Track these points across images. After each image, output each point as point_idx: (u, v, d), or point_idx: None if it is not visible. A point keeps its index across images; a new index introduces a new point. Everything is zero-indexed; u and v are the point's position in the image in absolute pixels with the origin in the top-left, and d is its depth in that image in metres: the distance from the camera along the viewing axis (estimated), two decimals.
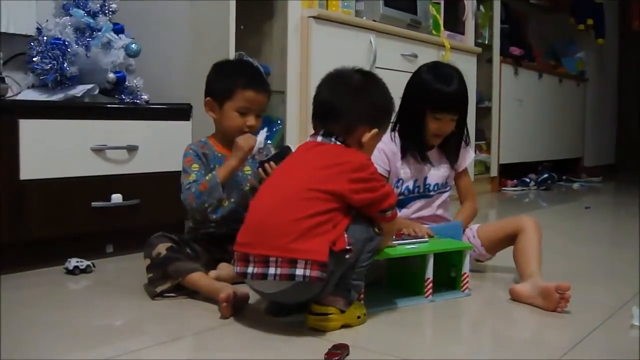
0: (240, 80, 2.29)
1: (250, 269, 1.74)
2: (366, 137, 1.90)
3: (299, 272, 1.68)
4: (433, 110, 2.35)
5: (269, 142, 2.20)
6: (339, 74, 1.99)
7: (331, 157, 1.83)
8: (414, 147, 2.42)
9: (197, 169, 2.28)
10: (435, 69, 2.44)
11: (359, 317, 1.83)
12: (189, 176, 2.26)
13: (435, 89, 2.36)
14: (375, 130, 1.92)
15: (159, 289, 2.06)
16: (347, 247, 1.72)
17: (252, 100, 2.30)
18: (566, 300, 1.94)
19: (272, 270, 1.70)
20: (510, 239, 2.30)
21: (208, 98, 2.35)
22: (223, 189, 2.21)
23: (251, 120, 2.30)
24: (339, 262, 1.72)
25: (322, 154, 1.86)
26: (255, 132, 2.29)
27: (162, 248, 2.09)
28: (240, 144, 2.22)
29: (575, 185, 6.46)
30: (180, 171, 2.31)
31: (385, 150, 2.41)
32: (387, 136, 2.33)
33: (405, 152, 2.43)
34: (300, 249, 1.68)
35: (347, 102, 1.91)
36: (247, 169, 2.34)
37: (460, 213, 2.52)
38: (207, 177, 2.22)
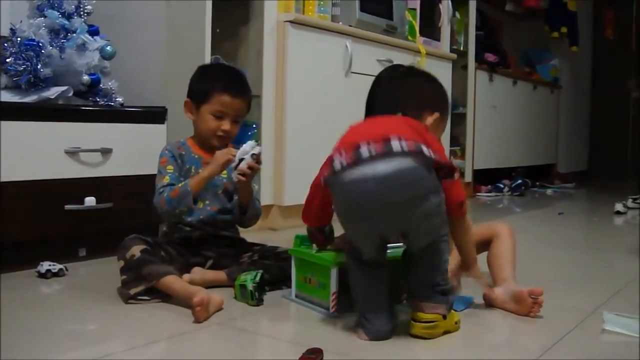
0: (218, 84, 2.30)
1: (365, 149, 1.66)
2: (429, 120, 1.98)
3: (425, 150, 1.69)
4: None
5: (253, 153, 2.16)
6: (388, 70, 2.11)
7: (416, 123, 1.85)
8: None
9: (171, 170, 2.28)
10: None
11: (456, 323, 1.83)
12: (163, 178, 2.26)
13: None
14: (437, 114, 2.00)
15: (132, 291, 2.04)
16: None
17: (227, 104, 2.29)
18: (539, 305, 1.96)
19: (395, 144, 1.66)
20: (485, 245, 2.30)
21: (187, 99, 2.35)
22: (194, 198, 2.21)
23: (226, 125, 2.30)
24: None
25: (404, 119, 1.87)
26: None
27: (136, 250, 2.08)
28: (218, 156, 2.21)
29: (549, 191, 6.51)
30: (154, 174, 2.30)
31: None
32: None
33: None
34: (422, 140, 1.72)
35: (407, 91, 2.00)
36: (224, 172, 2.33)
37: None
38: (179, 185, 2.21)
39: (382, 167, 1.64)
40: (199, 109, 2.31)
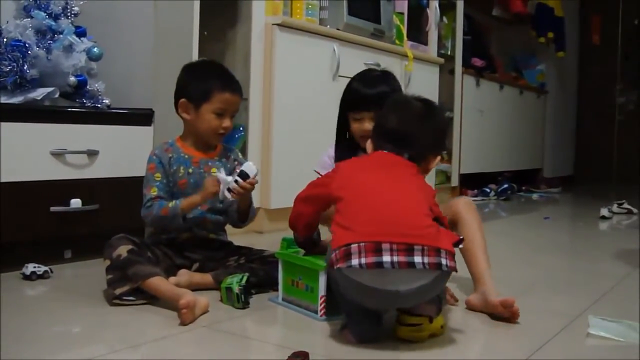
0: (217, 83, 2.30)
1: (388, 258, 1.64)
2: (433, 164, 1.98)
3: (444, 261, 1.68)
4: (351, 109, 2.35)
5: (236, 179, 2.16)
6: (405, 102, 2.03)
7: (421, 180, 1.90)
8: (346, 153, 2.31)
9: (159, 179, 2.27)
10: (361, 73, 2.46)
11: (442, 327, 1.83)
12: (151, 189, 2.25)
13: (350, 89, 2.38)
14: (439, 157, 2.01)
15: (117, 291, 2.03)
16: (460, 238, 1.80)
17: (229, 102, 2.31)
18: (515, 314, 1.96)
19: (418, 259, 1.65)
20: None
21: (182, 100, 2.32)
22: (184, 219, 2.23)
23: (227, 122, 2.31)
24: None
25: (413, 175, 1.89)
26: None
27: (122, 250, 2.07)
28: (208, 186, 2.19)
29: (535, 196, 6.54)
30: (142, 176, 2.30)
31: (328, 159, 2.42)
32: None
33: (338, 159, 2.33)
34: (440, 240, 1.70)
35: (422, 133, 1.94)
36: (214, 170, 2.32)
37: None
38: (170, 204, 2.21)
39: (404, 285, 1.67)
40: (199, 109, 2.30)
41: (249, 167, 2.17)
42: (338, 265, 1.68)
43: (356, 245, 1.67)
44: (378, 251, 1.65)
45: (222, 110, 2.30)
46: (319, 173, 2.34)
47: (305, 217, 1.98)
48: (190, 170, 2.31)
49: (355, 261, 1.65)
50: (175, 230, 2.29)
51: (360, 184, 1.83)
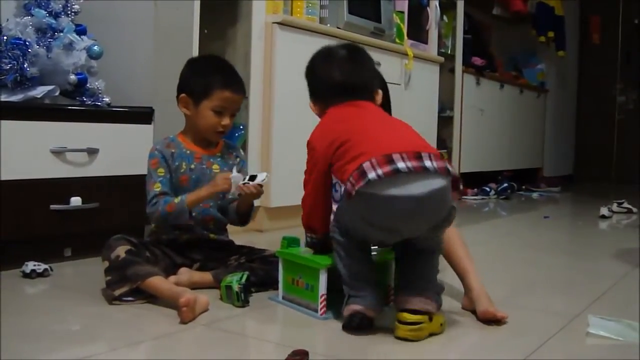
0: (218, 80, 2.28)
1: (402, 164, 1.72)
2: (379, 99, 2.11)
3: (450, 168, 1.78)
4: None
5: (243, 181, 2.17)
6: (332, 54, 2.13)
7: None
8: None
9: (162, 174, 2.26)
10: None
11: (441, 325, 1.84)
12: (154, 185, 2.24)
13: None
14: (381, 92, 2.13)
15: (116, 292, 2.03)
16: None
17: (229, 100, 2.28)
18: (500, 322, 1.94)
19: (428, 163, 1.74)
20: None
21: (183, 95, 2.31)
22: (190, 214, 2.22)
23: (226, 120, 2.29)
24: None
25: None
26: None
27: (121, 251, 2.07)
28: (219, 182, 2.18)
29: (535, 195, 6.54)
30: (142, 175, 2.30)
31: None
32: None
33: None
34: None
35: (363, 74, 2.08)
36: (216, 167, 2.32)
37: None
38: (176, 200, 2.20)
39: (421, 188, 1.72)
40: (199, 105, 2.28)
41: (261, 174, 2.19)
42: (356, 187, 1.72)
43: (368, 162, 1.73)
44: (390, 161, 1.72)
45: (222, 108, 2.28)
46: None
47: (319, 209, 1.97)
48: (193, 166, 2.30)
49: (372, 174, 1.71)
50: (179, 230, 2.28)
51: (350, 128, 1.91)
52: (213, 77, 2.29)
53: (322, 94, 2.11)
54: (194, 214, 2.26)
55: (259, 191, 2.19)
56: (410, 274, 1.84)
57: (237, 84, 2.33)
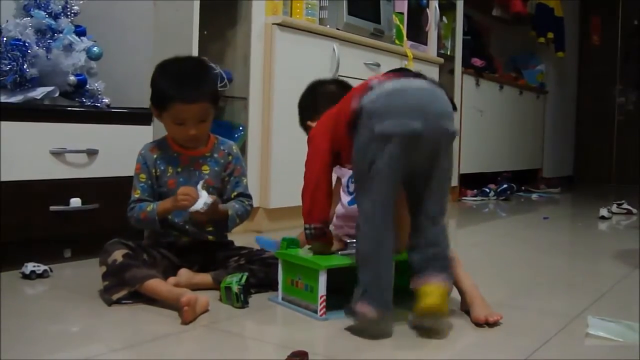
0: (171, 93, 2.16)
1: (399, 74, 1.87)
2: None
3: None
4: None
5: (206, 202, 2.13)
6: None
7: None
8: None
9: (143, 180, 2.27)
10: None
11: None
12: (135, 191, 2.27)
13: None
14: None
15: (115, 297, 2.02)
16: None
17: (185, 111, 2.17)
18: (493, 325, 1.94)
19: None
20: None
21: (150, 104, 2.27)
22: (164, 222, 2.23)
23: (191, 130, 2.20)
24: None
25: None
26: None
27: (118, 255, 2.06)
28: (179, 199, 2.13)
29: (534, 196, 6.54)
30: None
31: None
32: None
33: None
34: None
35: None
36: (205, 167, 2.30)
37: None
38: (148, 208, 2.21)
39: (419, 82, 1.87)
40: (161, 117, 2.24)
41: (201, 199, 2.14)
42: (359, 96, 1.81)
43: (375, 79, 1.85)
44: (396, 76, 1.85)
45: (181, 119, 2.18)
46: None
47: (320, 196, 1.96)
48: (179, 169, 2.28)
49: (375, 81, 1.84)
50: (178, 232, 2.28)
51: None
52: (168, 89, 2.17)
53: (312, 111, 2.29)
54: (179, 219, 2.26)
55: (205, 212, 2.15)
56: (433, 255, 1.82)
57: (191, 95, 2.16)
